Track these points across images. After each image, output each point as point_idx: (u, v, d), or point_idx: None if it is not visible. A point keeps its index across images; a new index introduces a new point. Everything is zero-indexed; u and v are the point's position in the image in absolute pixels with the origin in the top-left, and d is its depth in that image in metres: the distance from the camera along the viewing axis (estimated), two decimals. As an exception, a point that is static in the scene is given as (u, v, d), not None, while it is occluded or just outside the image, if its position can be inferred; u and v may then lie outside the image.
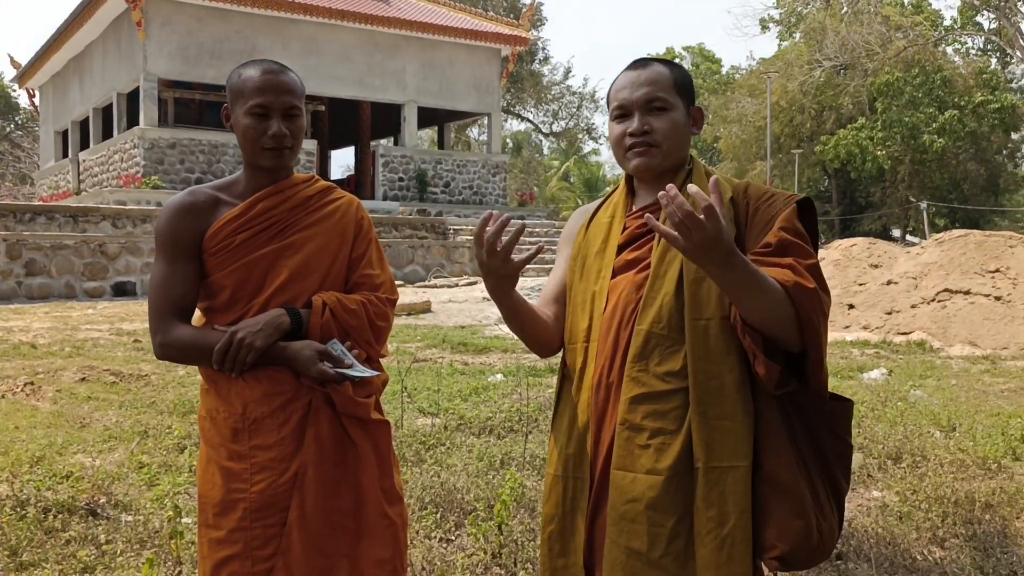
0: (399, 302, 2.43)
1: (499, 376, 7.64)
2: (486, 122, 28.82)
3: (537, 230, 22.36)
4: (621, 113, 2.01)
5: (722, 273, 1.71)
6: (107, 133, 26.10)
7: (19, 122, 48.90)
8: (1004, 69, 39.12)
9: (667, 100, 1.97)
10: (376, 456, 2.23)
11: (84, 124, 28.26)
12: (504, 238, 1.85)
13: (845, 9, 30.73)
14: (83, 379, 7.36)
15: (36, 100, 33.27)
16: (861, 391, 7.00)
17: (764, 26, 41.62)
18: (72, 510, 3.95)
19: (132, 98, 24.09)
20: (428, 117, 27.98)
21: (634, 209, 2.05)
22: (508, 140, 47.94)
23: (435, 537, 3.78)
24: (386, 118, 27.52)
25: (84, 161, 27.15)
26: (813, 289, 1.78)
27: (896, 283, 11.93)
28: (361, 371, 2.15)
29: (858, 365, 8.64)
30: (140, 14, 21.86)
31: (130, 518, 3.95)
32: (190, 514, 3.82)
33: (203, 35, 22.84)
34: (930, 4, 39.00)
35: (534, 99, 42.51)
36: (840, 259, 13.00)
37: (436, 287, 17.47)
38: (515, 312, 2.02)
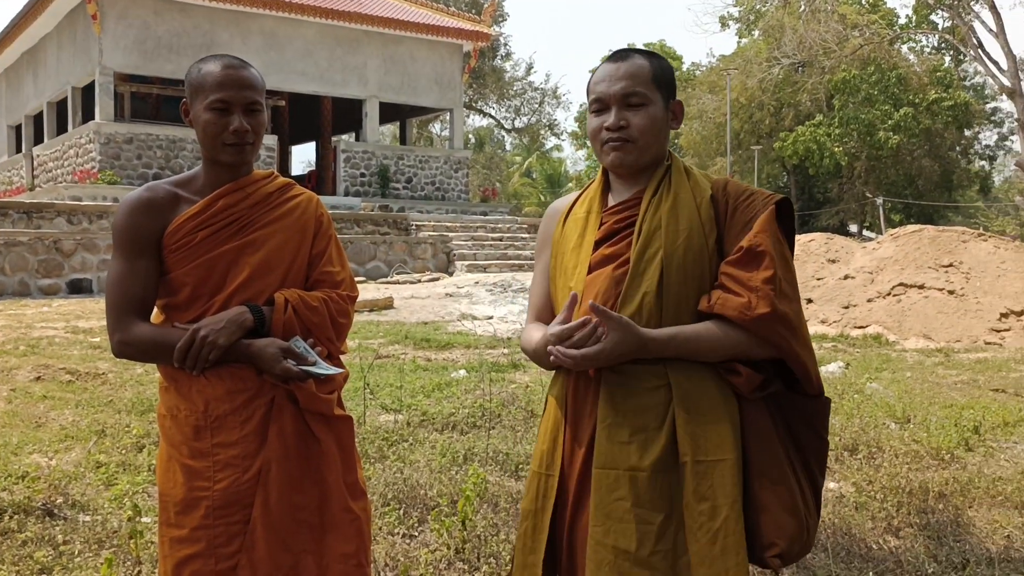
0: (361, 298, 2.44)
1: (462, 372, 7.64)
2: (448, 118, 28.70)
3: (500, 226, 22.38)
4: (599, 107, 1.97)
5: (660, 353, 1.85)
6: (62, 128, 25.59)
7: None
8: (957, 67, 39.84)
9: (645, 95, 1.94)
10: (340, 452, 2.23)
11: (38, 118, 27.69)
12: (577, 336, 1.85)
13: (803, 7, 31.06)
14: (38, 378, 7.22)
15: (-12, 93, 32.56)
16: (819, 384, 7.09)
17: (724, 23, 41.89)
18: (28, 511, 3.89)
19: (87, 92, 23.63)
20: (390, 113, 27.83)
21: (610, 204, 2.04)
22: (470, 136, 47.81)
23: (398, 533, 3.78)
24: (348, 113, 27.32)
25: (38, 156, 26.59)
26: (768, 314, 1.81)
27: (853, 278, 12.14)
28: (324, 368, 2.15)
29: (817, 359, 8.76)
30: (96, 7, 21.44)
31: (88, 518, 3.90)
32: (149, 513, 3.79)
33: (161, 28, 22.48)
34: (885, 3, 39.52)
35: (496, 95, 42.44)
36: (799, 254, 13.18)
37: (399, 283, 17.41)
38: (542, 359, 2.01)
